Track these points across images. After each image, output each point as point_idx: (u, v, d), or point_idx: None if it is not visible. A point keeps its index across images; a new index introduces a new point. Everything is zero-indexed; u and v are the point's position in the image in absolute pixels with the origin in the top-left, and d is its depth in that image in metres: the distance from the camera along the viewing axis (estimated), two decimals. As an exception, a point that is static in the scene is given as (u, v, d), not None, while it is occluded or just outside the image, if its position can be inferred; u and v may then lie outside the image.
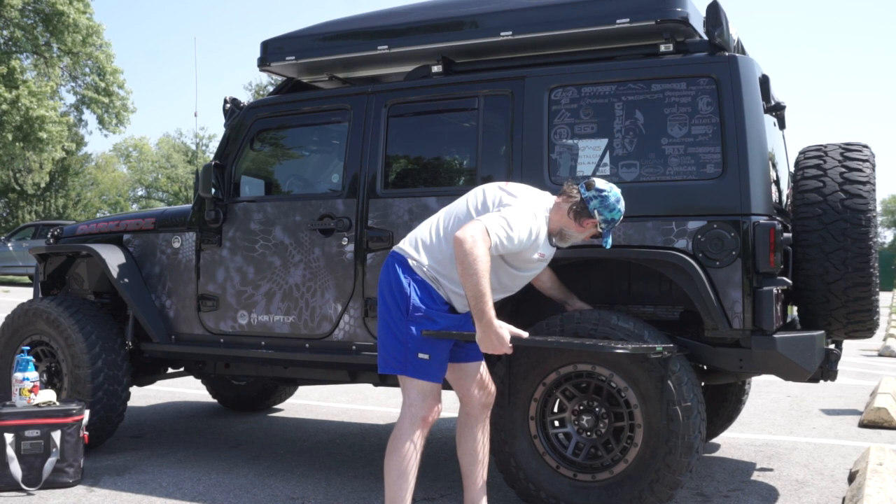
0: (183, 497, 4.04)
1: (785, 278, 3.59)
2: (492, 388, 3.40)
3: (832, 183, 3.67)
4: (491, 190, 3.26)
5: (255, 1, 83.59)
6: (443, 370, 3.18)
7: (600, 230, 3.22)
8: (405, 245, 3.25)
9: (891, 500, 3.59)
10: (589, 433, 3.63)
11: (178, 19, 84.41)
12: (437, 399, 3.15)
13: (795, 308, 4.02)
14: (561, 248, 3.35)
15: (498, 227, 3.00)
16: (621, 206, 3.20)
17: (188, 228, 4.70)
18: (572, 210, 3.20)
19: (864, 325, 3.75)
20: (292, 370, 4.64)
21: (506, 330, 3.04)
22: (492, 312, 2.97)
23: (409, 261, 3.18)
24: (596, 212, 3.16)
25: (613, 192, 3.19)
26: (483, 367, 3.37)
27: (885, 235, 58.29)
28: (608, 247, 3.28)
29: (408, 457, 3.07)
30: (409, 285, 3.13)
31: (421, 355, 3.09)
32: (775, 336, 3.43)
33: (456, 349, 3.26)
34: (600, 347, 3.34)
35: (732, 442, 5.41)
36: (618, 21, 3.77)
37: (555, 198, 3.29)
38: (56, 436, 4.15)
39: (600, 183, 3.19)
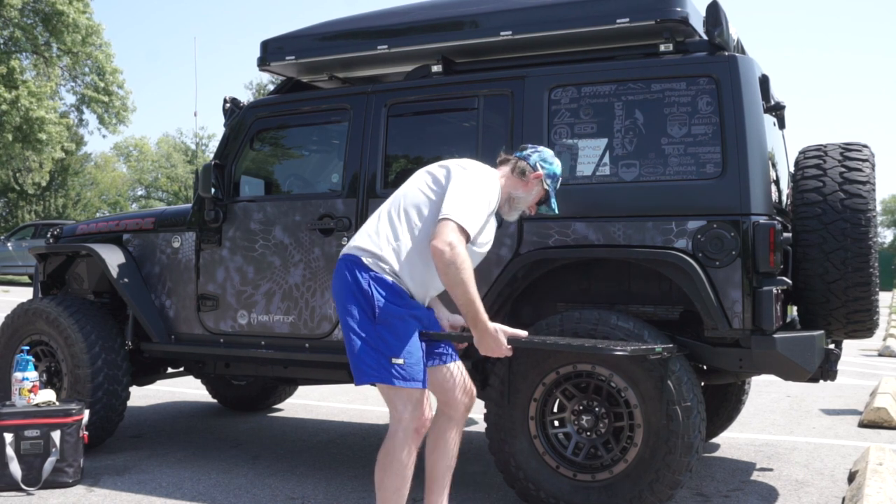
0: (183, 497, 4.04)
1: (785, 278, 3.59)
2: (472, 389, 3.25)
3: (832, 183, 3.67)
4: (436, 168, 3.10)
5: (255, 1, 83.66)
6: (422, 372, 2.97)
7: (546, 187, 3.21)
8: (357, 246, 3.03)
9: (891, 500, 3.58)
10: (589, 433, 3.62)
11: (178, 19, 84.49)
12: (425, 407, 2.97)
13: (795, 308, 4.02)
14: (509, 221, 3.34)
15: (467, 213, 2.88)
16: (558, 161, 3.27)
17: (188, 228, 4.70)
18: (516, 169, 3.20)
19: (863, 325, 3.75)
20: (292, 370, 4.63)
21: (502, 332, 2.98)
22: (485, 316, 2.91)
23: (365, 259, 2.97)
24: (538, 165, 3.19)
25: (546, 149, 3.28)
26: (462, 368, 3.22)
27: (885, 235, 58.34)
28: (556, 211, 3.28)
29: (403, 472, 2.94)
30: (370, 285, 2.93)
31: (395, 360, 2.89)
32: (775, 336, 3.43)
33: (431, 349, 3.10)
34: (599, 349, 3.33)
35: (732, 442, 5.41)
36: (617, 21, 3.77)
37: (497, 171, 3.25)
38: (56, 436, 4.15)
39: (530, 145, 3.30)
